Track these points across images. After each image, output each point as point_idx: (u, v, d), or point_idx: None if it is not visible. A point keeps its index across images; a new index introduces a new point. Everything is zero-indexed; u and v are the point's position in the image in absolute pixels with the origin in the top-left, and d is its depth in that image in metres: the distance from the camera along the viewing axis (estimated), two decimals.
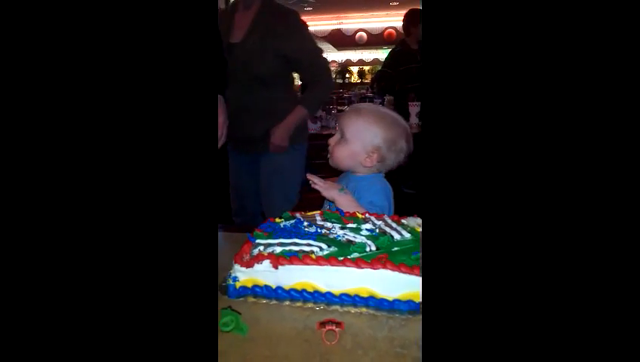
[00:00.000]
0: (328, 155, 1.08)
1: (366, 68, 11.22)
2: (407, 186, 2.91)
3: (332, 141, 1.07)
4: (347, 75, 9.97)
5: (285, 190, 1.62)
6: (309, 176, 0.99)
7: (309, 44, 1.59)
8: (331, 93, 1.79)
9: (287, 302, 0.64)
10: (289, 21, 1.52)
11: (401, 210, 0.92)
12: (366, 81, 9.88)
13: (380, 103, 4.17)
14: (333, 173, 1.16)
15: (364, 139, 1.02)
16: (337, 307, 0.62)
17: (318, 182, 0.97)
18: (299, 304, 0.63)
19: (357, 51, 11.01)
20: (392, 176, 1.09)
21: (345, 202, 0.93)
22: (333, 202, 0.96)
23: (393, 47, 3.35)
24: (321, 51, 1.64)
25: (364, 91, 7.18)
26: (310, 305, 0.63)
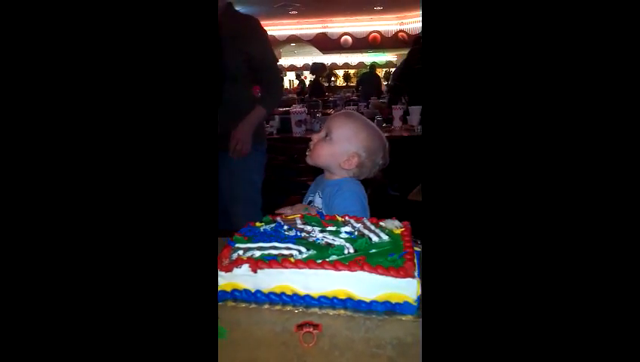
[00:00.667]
0: (308, 151, 1.09)
1: (351, 71, 11.30)
2: (393, 189, 2.94)
3: (315, 137, 1.08)
4: (333, 79, 10.02)
5: (249, 191, 1.68)
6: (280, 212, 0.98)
7: (270, 48, 1.74)
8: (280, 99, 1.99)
9: (267, 306, 0.64)
10: (252, 24, 1.68)
11: (387, 213, 0.93)
12: (352, 85, 9.95)
13: (365, 106, 4.21)
14: (316, 173, 1.17)
15: (349, 143, 1.04)
16: (316, 309, 0.63)
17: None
18: (278, 307, 0.64)
19: (342, 55, 11.09)
20: (379, 179, 1.11)
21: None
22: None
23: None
24: (276, 59, 1.83)
25: (349, 94, 7.22)
26: (289, 308, 0.63)
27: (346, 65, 10.91)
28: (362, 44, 10.44)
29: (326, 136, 1.06)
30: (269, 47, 1.73)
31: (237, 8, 1.71)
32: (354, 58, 11.24)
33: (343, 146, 1.05)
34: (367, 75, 7.06)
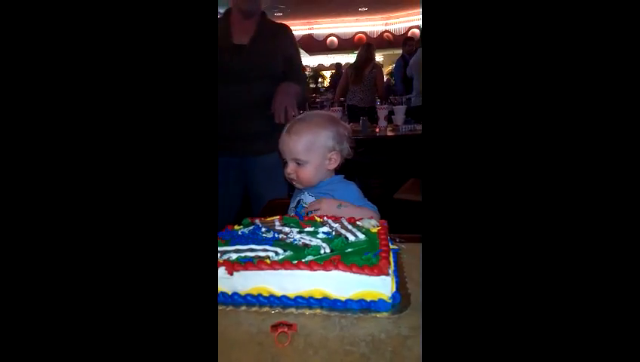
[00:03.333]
0: (295, 183, 1.07)
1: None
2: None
3: (291, 171, 1.05)
4: (320, 80, 10.04)
5: (276, 191, 1.66)
6: (309, 209, 0.98)
7: (299, 52, 1.89)
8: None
9: (244, 308, 0.64)
10: (286, 31, 1.83)
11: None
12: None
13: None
14: None
15: (319, 151, 1.04)
16: (293, 309, 0.63)
17: (317, 207, 0.96)
18: (255, 308, 0.64)
19: (329, 56, 11.12)
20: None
21: (350, 211, 0.94)
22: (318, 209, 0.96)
23: None
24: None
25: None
26: (266, 309, 0.64)
27: (333, 67, 10.93)
28: (348, 44, 10.49)
29: (297, 164, 1.05)
30: (298, 51, 1.88)
31: (219, 10, 1.74)
32: (341, 59, 11.28)
33: (317, 157, 1.04)
34: (338, 75, 7.28)
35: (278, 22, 1.89)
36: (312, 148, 1.04)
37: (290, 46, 1.82)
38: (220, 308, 0.65)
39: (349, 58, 11.06)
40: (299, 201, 1.10)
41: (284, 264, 0.64)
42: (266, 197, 1.60)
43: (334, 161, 1.06)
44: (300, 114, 1.28)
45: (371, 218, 0.82)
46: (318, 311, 0.63)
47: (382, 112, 3.08)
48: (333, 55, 10.97)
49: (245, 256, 0.68)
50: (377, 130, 2.96)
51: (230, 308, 0.65)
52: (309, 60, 11.78)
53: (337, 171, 1.10)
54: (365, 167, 2.84)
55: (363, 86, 4.09)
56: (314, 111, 1.23)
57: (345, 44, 10.54)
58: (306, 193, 1.08)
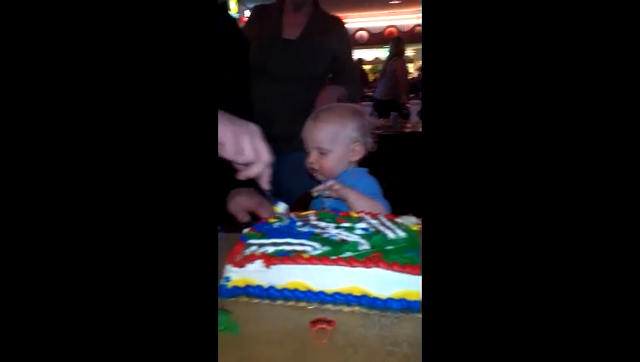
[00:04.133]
0: (315, 173, 1.06)
1: (366, 67, 11.21)
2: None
3: (313, 160, 1.05)
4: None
5: (305, 186, 1.65)
6: (318, 190, 0.97)
7: (350, 49, 1.75)
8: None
9: (280, 302, 0.63)
10: (339, 25, 1.68)
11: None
12: (370, 80, 9.85)
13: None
14: None
15: (344, 141, 1.03)
16: (330, 306, 0.62)
17: (329, 186, 0.95)
18: (291, 303, 0.63)
19: (357, 50, 10.99)
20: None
21: (357, 199, 0.93)
22: (346, 200, 0.94)
23: None
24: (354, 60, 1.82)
25: (365, 90, 7.17)
26: (302, 304, 0.62)
27: (360, 62, 10.81)
28: (378, 39, 10.33)
29: (320, 152, 1.03)
30: (350, 48, 1.75)
31: (249, 5, 1.70)
32: (369, 54, 11.13)
33: (341, 147, 1.03)
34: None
35: (331, 15, 1.72)
36: (336, 138, 1.03)
37: (342, 43, 1.67)
38: (255, 301, 0.64)
39: (378, 53, 10.92)
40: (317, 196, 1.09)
41: (322, 259, 0.63)
42: (295, 193, 1.60)
43: (358, 153, 1.05)
44: None
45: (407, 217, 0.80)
46: (357, 308, 0.61)
47: (414, 108, 3.01)
48: (361, 50, 10.84)
49: (282, 250, 0.67)
50: (409, 125, 2.90)
51: (266, 301, 0.64)
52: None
53: (363, 165, 1.08)
54: (392, 164, 2.78)
55: (385, 79, 4.03)
56: (340, 103, 1.21)
57: (375, 39, 10.39)
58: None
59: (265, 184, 0.77)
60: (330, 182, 0.95)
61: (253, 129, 0.74)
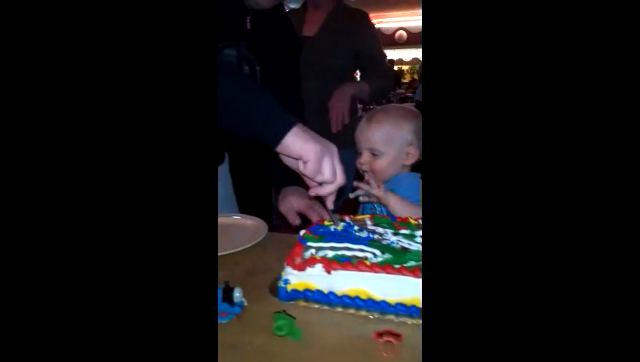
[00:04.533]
0: (366, 175, 1.02)
1: (405, 67, 11.03)
2: None
3: (364, 161, 1.02)
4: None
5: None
6: (359, 184, 0.95)
7: (378, 44, 1.69)
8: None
9: (340, 309, 0.62)
10: (361, 20, 1.63)
11: None
12: (405, 81, 9.70)
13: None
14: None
15: (398, 143, 1.00)
16: (392, 317, 0.60)
17: (371, 186, 0.93)
18: (352, 311, 0.61)
19: (396, 50, 10.85)
20: None
21: (397, 204, 0.90)
22: (386, 206, 0.93)
23: None
24: (385, 55, 1.74)
25: (402, 91, 7.06)
26: (363, 313, 0.61)
27: (400, 62, 10.65)
28: (418, 38, 10.13)
29: (373, 154, 1.01)
30: (377, 43, 1.69)
31: (291, 5, 1.69)
32: (408, 53, 10.95)
33: (395, 150, 1.00)
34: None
35: (355, 9, 1.66)
36: (390, 140, 1.00)
37: (367, 37, 1.61)
38: (314, 306, 0.63)
39: (417, 53, 10.73)
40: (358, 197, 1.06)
41: (385, 267, 0.61)
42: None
43: (412, 157, 1.01)
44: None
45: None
46: (421, 321, 0.58)
47: None
48: (400, 50, 10.68)
49: (343, 255, 0.65)
50: None
51: (325, 307, 0.63)
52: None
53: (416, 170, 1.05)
54: None
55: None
56: (396, 104, 1.18)
57: (414, 38, 10.20)
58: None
59: (330, 203, 0.78)
60: (366, 187, 0.93)
61: (334, 150, 0.75)
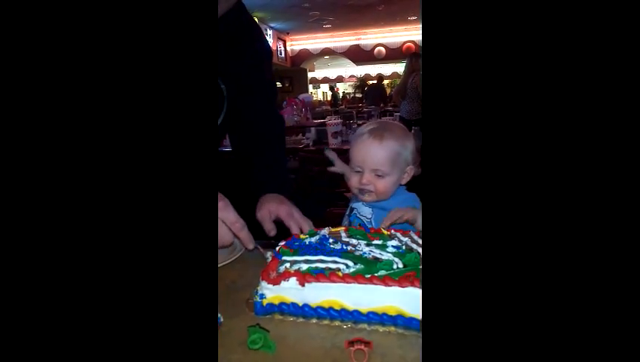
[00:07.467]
0: (367, 195, 1.00)
1: (385, 82, 11.25)
2: None
3: (367, 181, 0.98)
4: (366, 89, 10.03)
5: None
6: (387, 226, 0.89)
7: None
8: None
9: (315, 320, 0.63)
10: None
11: None
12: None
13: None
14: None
15: (401, 164, 0.99)
16: (365, 325, 0.61)
17: (402, 213, 0.89)
18: (326, 322, 0.63)
19: (376, 65, 11.08)
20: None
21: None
22: (414, 223, 0.90)
23: None
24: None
25: (383, 105, 7.18)
26: (337, 323, 0.62)
27: (380, 77, 10.88)
28: (396, 54, 10.40)
29: (376, 175, 0.97)
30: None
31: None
32: (387, 68, 11.20)
33: (398, 170, 0.99)
34: (374, 86, 8.29)
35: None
36: (397, 161, 0.98)
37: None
38: (290, 319, 0.64)
39: (396, 68, 10.97)
40: (352, 210, 1.07)
41: (356, 278, 0.62)
42: None
43: (407, 177, 1.01)
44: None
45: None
46: (392, 328, 0.60)
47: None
48: (380, 65, 10.92)
49: (316, 267, 0.67)
50: None
51: (301, 319, 0.64)
52: (355, 70, 11.76)
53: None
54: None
55: (407, 97, 3.96)
56: (392, 121, 1.14)
57: (393, 54, 10.47)
58: (360, 203, 1.05)
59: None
60: (392, 213, 0.89)
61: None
